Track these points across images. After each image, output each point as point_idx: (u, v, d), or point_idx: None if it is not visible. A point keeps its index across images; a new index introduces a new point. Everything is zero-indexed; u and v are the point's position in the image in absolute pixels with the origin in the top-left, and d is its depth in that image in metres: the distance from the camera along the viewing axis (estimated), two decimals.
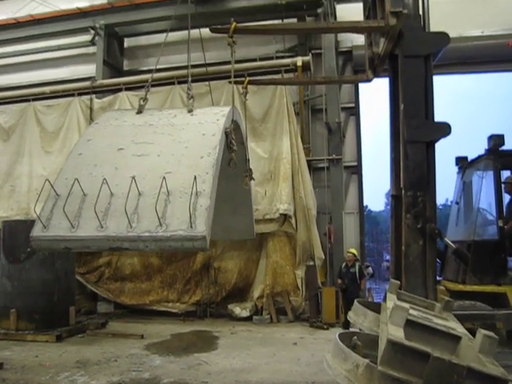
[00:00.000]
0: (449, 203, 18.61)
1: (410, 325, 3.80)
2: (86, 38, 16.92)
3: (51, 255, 11.11)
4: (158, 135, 5.76)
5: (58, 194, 4.93)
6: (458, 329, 4.18)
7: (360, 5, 8.16)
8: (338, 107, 14.42)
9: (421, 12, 6.51)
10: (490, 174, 9.09)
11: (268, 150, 13.47)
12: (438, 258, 8.37)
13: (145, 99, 6.62)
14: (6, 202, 15.10)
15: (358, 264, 11.80)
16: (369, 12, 7.28)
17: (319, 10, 14.48)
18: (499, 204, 8.86)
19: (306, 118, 15.03)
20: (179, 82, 13.96)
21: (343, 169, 14.80)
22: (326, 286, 13.16)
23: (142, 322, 12.87)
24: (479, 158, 9.65)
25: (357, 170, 15.57)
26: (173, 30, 10.48)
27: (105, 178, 4.89)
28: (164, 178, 4.83)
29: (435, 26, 6.89)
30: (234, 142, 5.92)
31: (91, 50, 17.08)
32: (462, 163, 10.54)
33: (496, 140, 8.92)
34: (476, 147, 9.60)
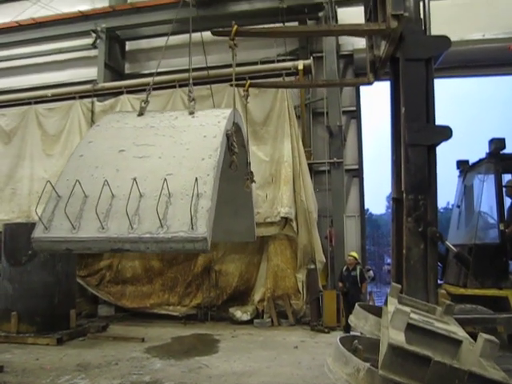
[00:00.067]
0: (450, 207, 18.60)
1: (411, 329, 3.80)
2: (88, 41, 16.94)
3: (52, 258, 11.12)
4: (159, 137, 5.77)
5: (59, 195, 4.94)
6: (459, 333, 4.17)
7: (361, 8, 8.18)
8: (339, 110, 14.41)
9: (422, 15, 6.53)
10: (491, 178, 9.06)
11: (269, 154, 13.47)
12: (439, 262, 8.36)
13: (146, 101, 6.63)
14: (7, 204, 15.11)
15: (359, 267, 11.77)
16: (370, 15, 7.28)
17: (320, 14, 14.51)
18: (500, 207, 8.83)
19: (308, 121, 15.04)
20: (180, 86, 13.98)
21: (344, 172, 14.80)
22: (327, 290, 13.15)
23: (142, 325, 12.86)
24: (480, 161, 9.63)
25: (358, 173, 15.58)
26: (174, 33, 10.52)
27: (106, 180, 4.90)
28: (165, 179, 4.84)
29: (436, 29, 6.89)
30: (235, 145, 5.93)
31: (93, 53, 17.10)
32: (463, 167, 10.52)
33: (497, 143, 8.90)
34: (477, 151, 9.60)
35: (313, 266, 13.01)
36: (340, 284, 11.94)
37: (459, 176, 10.72)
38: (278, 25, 14.01)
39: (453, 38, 6.43)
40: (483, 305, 7.81)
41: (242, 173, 6.97)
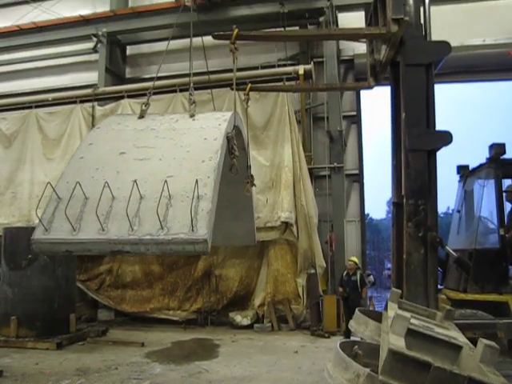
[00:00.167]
0: (450, 211, 18.60)
1: (411, 334, 3.79)
2: (89, 45, 16.98)
3: (52, 262, 11.11)
4: (159, 139, 5.79)
5: (59, 197, 4.95)
6: (459, 338, 4.17)
7: (361, 13, 8.22)
8: (339, 115, 14.42)
9: (422, 21, 6.55)
10: (492, 183, 9.08)
11: (269, 158, 13.47)
12: (440, 267, 8.34)
13: (147, 104, 6.66)
14: (8, 208, 15.10)
15: (359, 272, 11.74)
16: (370, 19, 7.31)
17: (321, 19, 14.49)
18: (500, 212, 8.84)
19: (308, 126, 15.04)
20: (181, 90, 13.99)
21: (345, 177, 14.80)
22: (328, 295, 13.13)
23: (142, 329, 12.84)
24: (480, 166, 9.64)
25: (358, 178, 15.57)
26: (175, 37, 10.52)
27: (106, 182, 4.91)
28: (165, 181, 4.85)
29: (437, 34, 6.89)
30: (235, 148, 5.94)
31: (93, 57, 17.13)
32: (464, 172, 10.53)
33: (497, 149, 8.92)
34: (479, 156, 9.60)
35: (313, 271, 13.00)
36: (340, 289, 11.91)
37: (459, 181, 10.74)
38: (278, 29, 14.04)
39: (453, 44, 6.45)
40: (483, 310, 7.81)
41: (243, 176, 6.99)
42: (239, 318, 13.01)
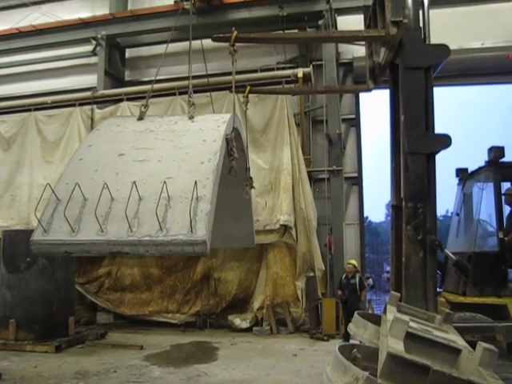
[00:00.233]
0: (449, 214, 18.57)
1: (410, 337, 3.78)
2: (88, 48, 17.00)
3: (51, 265, 11.10)
4: (158, 141, 5.79)
5: (58, 198, 4.94)
6: (459, 341, 4.16)
7: (360, 17, 8.22)
8: (338, 118, 14.43)
9: (421, 24, 6.55)
10: (491, 186, 9.07)
11: (269, 161, 13.48)
12: (439, 270, 8.33)
13: (146, 106, 6.66)
14: (7, 211, 15.10)
15: (358, 275, 11.73)
16: (369, 22, 7.30)
17: (320, 22, 14.49)
18: (499, 216, 8.84)
19: (307, 129, 15.05)
20: (180, 93, 14.03)
21: (344, 180, 14.79)
22: (327, 298, 13.11)
23: (141, 332, 12.83)
24: (479, 169, 9.64)
25: (357, 181, 15.58)
26: (174, 40, 10.57)
27: (105, 183, 4.91)
28: (164, 183, 4.85)
29: (436, 37, 6.90)
30: (234, 150, 5.94)
31: (93, 60, 17.16)
32: (463, 175, 10.53)
33: (496, 152, 8.91)
34: (478, 159, 9.59)
35: (312, 274, 12.99)
36: (339, 292, 11.89)
37: (458, 184, 10.73)
38: (278, 32, 14.06)
39: (452, 47, 6.44)
40: (482, 313, 7.79)
41: (242, 179, 6.98)
42: (238, 321, 13.00)
